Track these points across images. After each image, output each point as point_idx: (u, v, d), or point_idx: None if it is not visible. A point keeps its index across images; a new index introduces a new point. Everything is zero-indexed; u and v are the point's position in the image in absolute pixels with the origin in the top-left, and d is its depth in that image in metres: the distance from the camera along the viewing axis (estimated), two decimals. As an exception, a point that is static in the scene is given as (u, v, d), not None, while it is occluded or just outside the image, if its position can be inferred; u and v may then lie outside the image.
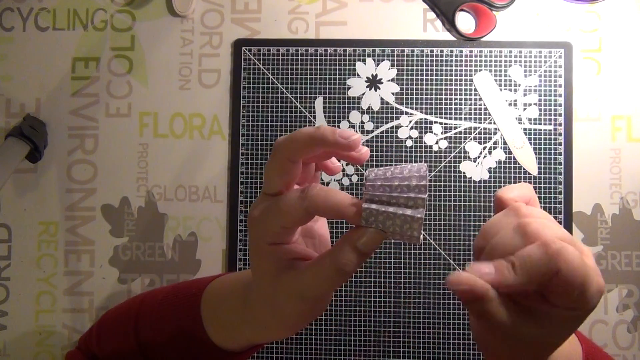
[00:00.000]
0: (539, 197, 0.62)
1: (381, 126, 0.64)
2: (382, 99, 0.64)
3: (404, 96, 0.64)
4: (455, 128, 0.64)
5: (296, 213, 0.31)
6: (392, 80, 0.65)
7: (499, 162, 0.63)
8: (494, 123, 0.64)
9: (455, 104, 0.64)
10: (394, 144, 0.64)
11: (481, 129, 0.64)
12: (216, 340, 0.40)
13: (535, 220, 0.31)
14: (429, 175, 0.63)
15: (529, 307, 0.31)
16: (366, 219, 0.31)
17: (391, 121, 0.64)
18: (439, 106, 0.64)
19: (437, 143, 0.64)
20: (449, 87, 0.64)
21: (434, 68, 0.64)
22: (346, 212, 0.31)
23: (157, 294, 0.45)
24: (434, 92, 0.64)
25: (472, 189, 0.63)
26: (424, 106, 0.64)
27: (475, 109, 0.64)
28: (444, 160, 0.64)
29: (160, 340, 0.42)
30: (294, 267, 0.33)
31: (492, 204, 0.63)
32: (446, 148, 0.64)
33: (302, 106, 0.65)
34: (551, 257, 0.28)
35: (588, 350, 0.39)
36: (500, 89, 0.64)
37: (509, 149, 0.63)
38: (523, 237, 0.30)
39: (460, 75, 0.64)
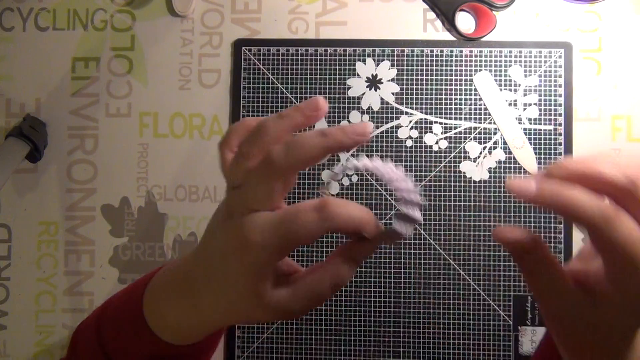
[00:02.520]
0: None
1: (381, 126, 0.64)
2: (382, 99, 0.64)
3: (404, 96, 0.64)
4: (455, 128, 0.64)
5: (314, 234, 0.29)
6: (392, 80, 0.65)
7: (499, 162, 0.63)
8: (494, 123, 0.64)
9: (455, 104, 0.64)
10: (394, 144, 0.64)
11: (481, 129, 0.64)
12: (163, 334, 0.37)
13: None
14: (429, 175, 0.64)
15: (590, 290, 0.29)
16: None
17: (391, 121, 0.64)
18: (439, 106, 0.64)
19: (437, 143, 0.64)
20: (449, 87, 0.64)
21: (434, 68, 0.64)
22: (367, 229, 0.30)
23: (113, 298, 0.44)
24: (434, 92, 0.64)
25: (472, 189, 0.63)
26: (424, 106, 0.64)
27: (475, 109, 0.64)
28: (444, 160, 0.64)
29: (122, 347, 0.41)
30: (282, 282, 0.32)
31: (491, 204, 0.63)
32: (446, 148, 0.64)
33: (302, 106, 0.65)
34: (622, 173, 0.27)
35: None
36: (500, 89, 0.64)
37: (509, 149, 0.63)
38: None
39: (460, 75, 0.64)
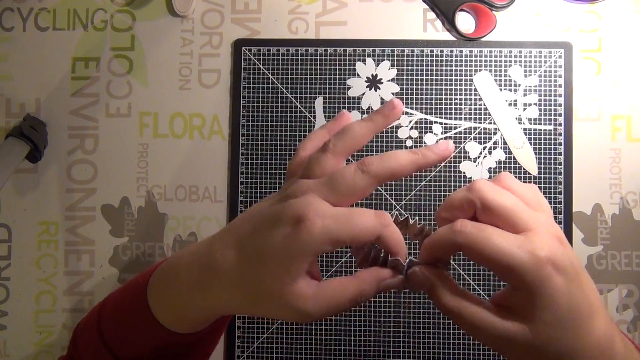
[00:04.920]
0: (539, 197, 0.62)
1: (381, 126, 0.64)
2: (382, 99, 0.64)
3: (404, 96, 0.64)
4: (455, 128, 0.64)
5: (368, 236, 0.31)
6: (392, 80, 0.65)
7: (499, 162, 0.63)
8: (494, 123, 0.64)
9: (455, 104, 0.64)
10: (394, 144, 0.64)
11: (481, 129, 0.64)
12: (167, 323, 0.38)
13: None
14: (429, 175, 0.64)
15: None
16: None
17: (391, 121, 0.64)
18: (439, 106, 0.64)
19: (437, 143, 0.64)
20: (449, 87, 0.64)
21: (434, 68, 0.64)
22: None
23: (114, 293, 0.44)
24: (434, 92, 0.64)
25: (472, 189, 0.63)
26: (424, 106, 0.64)
27: (475, 109, 0.64)
28: (444, 160, 0.63)
29: (125, 339, 0.40)
30: (309, 281, 0.32)
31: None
32: (446, 148, 0.64)
33: (302, 106, 0.65)
34: (453, 234, 0.30)
35: None
36: (500, 89, 0.64)
37: (509, 149, 0.63)
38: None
39: (460, 75, 0.64)
